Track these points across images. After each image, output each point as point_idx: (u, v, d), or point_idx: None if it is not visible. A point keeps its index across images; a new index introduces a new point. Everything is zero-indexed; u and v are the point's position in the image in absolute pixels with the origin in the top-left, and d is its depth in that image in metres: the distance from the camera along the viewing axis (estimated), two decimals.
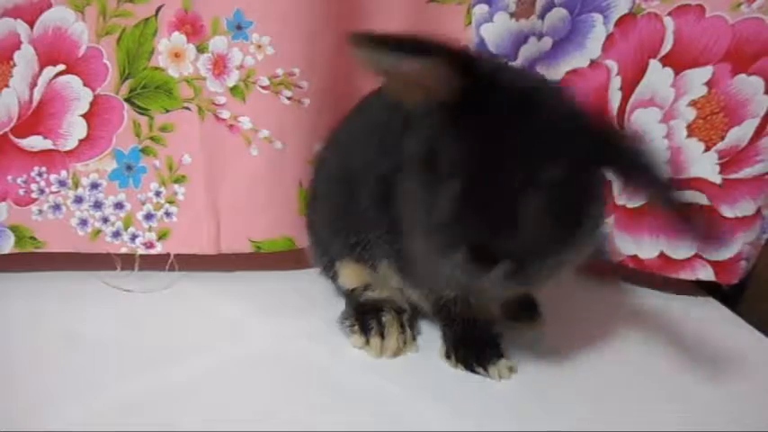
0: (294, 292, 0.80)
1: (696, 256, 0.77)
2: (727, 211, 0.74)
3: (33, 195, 0.79)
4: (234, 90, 0.77)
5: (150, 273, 0.81)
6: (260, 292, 0.79)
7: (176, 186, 0.80)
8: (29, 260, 0.81)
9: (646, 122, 0.75)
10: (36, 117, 0.77)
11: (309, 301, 0.77)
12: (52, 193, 0.79)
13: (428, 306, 0.68)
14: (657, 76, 0.74)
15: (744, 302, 0.78)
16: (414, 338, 0.69)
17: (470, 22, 0.77)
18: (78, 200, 0.79)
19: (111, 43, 0.76)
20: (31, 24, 0.75)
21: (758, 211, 0.74)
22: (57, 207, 0.79)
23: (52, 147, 0.78)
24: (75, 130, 0.77)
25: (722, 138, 0.73)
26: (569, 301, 0.75)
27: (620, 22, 0.76)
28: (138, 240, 0.81)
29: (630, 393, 0.63)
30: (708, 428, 0.58)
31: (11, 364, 0.66)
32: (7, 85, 0.75)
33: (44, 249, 0.80)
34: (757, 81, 0.71)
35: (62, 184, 0.79)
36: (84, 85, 0.77)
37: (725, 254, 0.75)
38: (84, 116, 0.77)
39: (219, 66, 0.76)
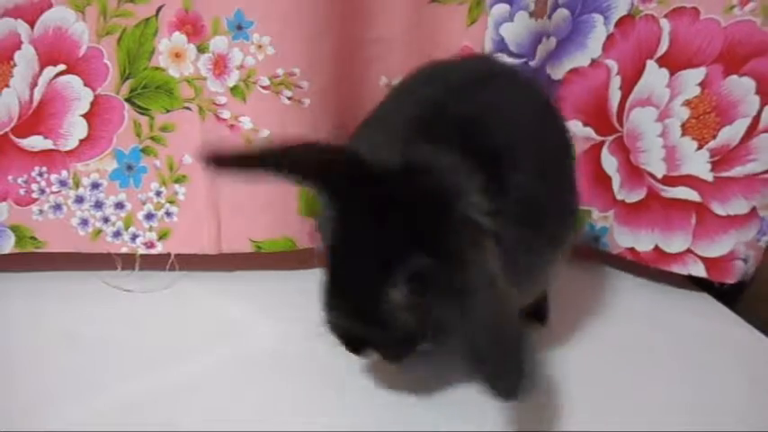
0: (295, 292, 0.79)
1: (688, 251, 0.78)
2: (719, 209, 0.76)
3: (34, 195, 0.78)
4: (234, 90, 0.77)
5: (151, 272, 0.81)
6: (261, 292, 0.80)
7: (177, 186, 0.80)
8: (29, 260, 0.80)
9: (643, 121, 0.77)
10: (36, 117, 0.77)
11: (311, 300, 0.76)
12: (53, 192, 0.79)
13: None
14: (654, 77, 0.76)
15: (743, 302, 0.80)
16: None
17: (473, 22, 0.78)
18: (79, 200, 0.79)
19: (112, 43, 0.76)
20: (32, 24, 0.75)
21: (753, 210, 0.75)
22: (57, 207, 0.79)
23: (53, 147, 0.78)
24: (75, 129, 0.77)
25: (714, 136, 0.75)
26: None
27: (620, 22, 0.78)
28: (138, 240, 0.81)
29: (615, 386, 0.65)
30: (691, 420, 0.60)
31: (11, 363, 0.66)
32: (8, 85, 0.75)
33: (45, 249, 0.80)
34: (748, 82, 0.72)
35: (63, 183, 0.79)
36: (85, 85, 0.77)
37: (717, 251, 0.77)
38: (84, 116, 0.77)
39: (220, 66, 0.77)
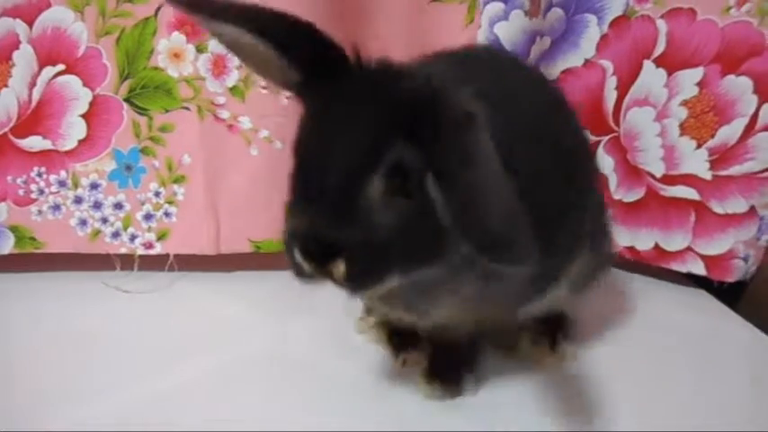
0: (295, 292, 0.80)
1: (688, 249, 0.79)
2: (717, 207, 0.76)
3: (33, 196, 0.78)
4: (233, 90, 0.77)
5: (150, 273, 0.81)
6: (260, 292, 0.79)
7: (176, 186, 0.80)
8: (28, 260, 0.80)
9: (640, 121, 0.78)
10: (35, 117, 0.77)
11: (310, 301, 0.77)
12: (52, 193, 0.79)
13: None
14: (651, 77, 0.77)
15: (743, 300, 0.80)
16: None
17: (471, 21, 0.78)
18: (78, 200, 0.79)
19: (111, 43, 0.76)
20: (30, 24, 0.75)
21: (751, 209, 0.76)
22: (56, 207, 0.79)
23: (51, 147, 0.78)
24: (74, 130, 0.78)
25: (712, 136, 0.75)
26: None
27: (614, 23, 0.79)
28: (137, 241, 0.81)
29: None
30: (691, 417, 0.60)
31: (11, 364, 0.66)
32: (6, 85, 0.75)
33: (44, 250, 0.80)
34: (746, 81, 0.73)
35: (62, 184, 0.79)
36: (84, 85, 0.77)
37: (716, 249, 0.77)
38: (83, 116, 0.77)
39: (219, 66, 0.77)
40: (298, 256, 0.46)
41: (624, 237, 0.82)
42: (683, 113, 0.76)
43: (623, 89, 0.79)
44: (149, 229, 0.81)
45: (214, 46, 0.76)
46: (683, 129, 0.76)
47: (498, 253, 0.42)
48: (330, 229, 0.44)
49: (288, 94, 0.74)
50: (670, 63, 0.76)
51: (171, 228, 0.81)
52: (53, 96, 0.77)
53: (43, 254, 0.80)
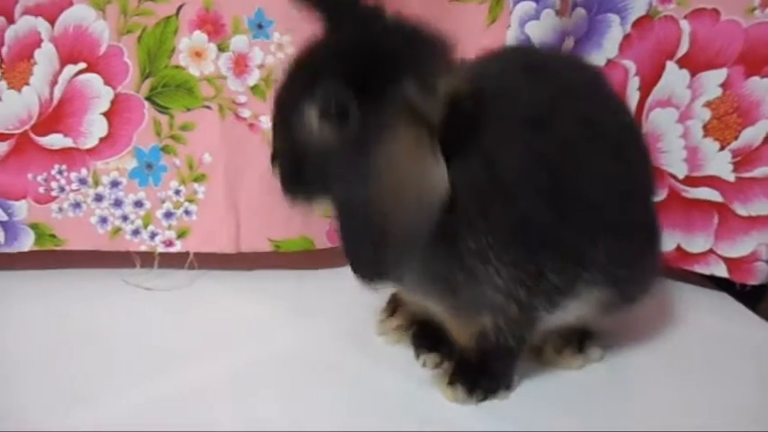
0: (315, 292, 0.80)
1: (710, 251, 0.78)
2: (741, 210, 0.76)
3: (53, 193, 0.78)
4: (255, 89, 0.77)
5: (170, 271, 0.81)
6: (280, 292, 0.80)
7: (196, 185, 0.80)
8: (48, 258, 0.81)
9: (663, 122, 0.77)
10: (56, 115, 0.77)
11: (330, 300, 0.77)
12: (72, 191, 0.79)
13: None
14: (674, 78, 0.76)
15: (765, 303, 0.79)
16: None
17: (493, 21, 0.78)
18: (98, 198, 0.79)
19: (132, 42, 0.76)
20: (52, 22, 0.75)
21: None
22: (77, 205, 0.79)
23: (72, 145, 0.78)
24: (95, 128, 0.77)
25: (736, 137, 0.74)
26: None
27: (638, 23, 0.78)
28: (157, 238, 0.81)
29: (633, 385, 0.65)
30: (710, 420, 0.59)
31: (32, 362, 0.66)
32: (28, 83, 0.75)
33: (64, 247, 0.80)
34: None
35: (82, 182, 0.79)
36: (105, 83, 0.77)
37: (738, 251, 0.77)
38: (104, 114, 0.77)
39: (240, 64, 0.77)
40: None
41: None
42: (707, 115, 0.75)
43: (646, 90, 0.78)
44: (169, 227, 0.81)
45: (235, 45, 0.76)
46: (707, 130, 0.75)
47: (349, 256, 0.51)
48: (274, 139, 0.56)
49: None
50: (693, 64, 0.75)
51: (191, 226, 0.81)
52: (74, 95, 0.77)
53: (63, 251, 0.80)
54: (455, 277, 0.55)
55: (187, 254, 0.81)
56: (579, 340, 0.66)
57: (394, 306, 0.71)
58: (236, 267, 0.83)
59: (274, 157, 0.56)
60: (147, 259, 0.81)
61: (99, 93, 0.77)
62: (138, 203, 0.80)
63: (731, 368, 0.68)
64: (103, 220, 0.80)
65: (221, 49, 0.77)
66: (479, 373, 0.61)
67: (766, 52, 0.72)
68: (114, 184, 0.79)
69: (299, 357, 0.67)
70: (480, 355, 0.60)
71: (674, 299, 0.79)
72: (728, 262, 0.78)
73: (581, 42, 0.80)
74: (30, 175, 0.78)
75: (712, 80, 0.74)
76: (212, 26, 0.76)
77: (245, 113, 0.78)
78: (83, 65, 0.76)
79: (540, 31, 0.76)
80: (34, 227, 0.79)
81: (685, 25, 0.75)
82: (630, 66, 0.79)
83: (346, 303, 0.76)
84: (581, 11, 0.79)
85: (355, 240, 0.51)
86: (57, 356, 0.67)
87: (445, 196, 0.49)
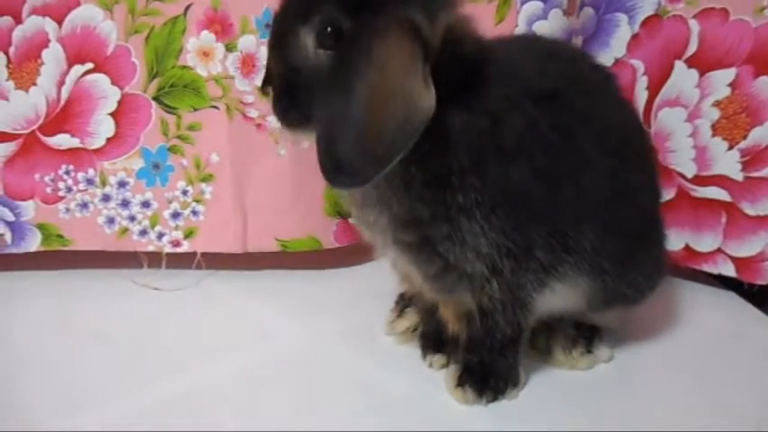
0: (323, 292, 0.80)
1: (719, 250, 0.78)
2: (749, 209, 0.75)
3: (61, 193, 0.78)
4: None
5: (177, 271, 0.81)
6: (288, 292, 0.80)
7: (203, 185, 0.80)
8: (56, 258, 0.81)
9: (672, 121, 0.77)
10: (64, 115, 0.77)
11: (338, 300, 0.78)
12: (80, 191, 0.79)
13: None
14: (683, 77, 0.76)
15: None
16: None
17: (501, 20, 0.78)
18: (105, 198, 0.79)
19: (140, 42, 0.76)
20: (60, 22, 0.75)
21: None
22: (84, 205, 0.79)
23: (80, 145, 0.78)
24: (102, 128, 0.77)
25: (744, 137, 0.74)
26: None
27: (646, 22, 0.78)
28: (164, 239, 0.81)
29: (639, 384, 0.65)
30: (718, 419, 0.60)
31: (39, 362, 0.66)
32: (35, 84, 0.75)
33: (71, 247, 0.80)
34: None
35: (89, 182, 0.79)
36: (112, 83, 0.77)
37: (747, 251, 0.76)
38: (111, 115, 0.77)
39: (248, 64, 0.77)
40: None
41: None
42: (715, 114, 0.75)
43: (654, 89, 0.78)
44: (177, 228, 0.81)
45: (243, 45, 0.76)
46: (715, 129, 0.75)
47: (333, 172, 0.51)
48: (270, 62, 0.55)
49: None
50: (702, 63, 0.75)
51: (198, 226, 0.81)
52: (82, 95, 0.77)
53: (70, 251, 0.80)
54: (437, 227, 0.55)
55: (194, 254, 0.81)
56: (588, 341, 0.66)
57: (403, 306, 0.70)
58: (244, 267, 0.83)
59: (268, 80, 0.56)
60: (154, 259, 0.81)
61: (106, 93, 0.77)
62: (146, 204, 0.80)
63: (739, 368, 0.68)
64: (111, 221, 0.80)
65: (229, 48, 0.76)
66: (486, 373, 0.61)
67: None
68: (121, 184, 0.79)
69: (306, 357, 0.67)
70: (481, 350, 0.61)
71: (681, 298, 0.79)
72: (736, 261, 0.77)
73: (589, 41, 0.80)
74: (37, 176, 0.78)
75: (721, 80, 0.74)
76: (220, 26, 0.76)
77: (253, 113, 0.78)
78: (90, 65, 0.76)
79: (548, 30, 0.76)
80: (41, 227, 0.79)
81: (694, 25, 0.75)
82: (639, 65, 0.79)
83: (354, 303, 0.76)
84: (589, 10, 0.78)
85: (333, 140, 0.50)
86: (64, 357, 0.67)
87: (428, 120, 0.49)
